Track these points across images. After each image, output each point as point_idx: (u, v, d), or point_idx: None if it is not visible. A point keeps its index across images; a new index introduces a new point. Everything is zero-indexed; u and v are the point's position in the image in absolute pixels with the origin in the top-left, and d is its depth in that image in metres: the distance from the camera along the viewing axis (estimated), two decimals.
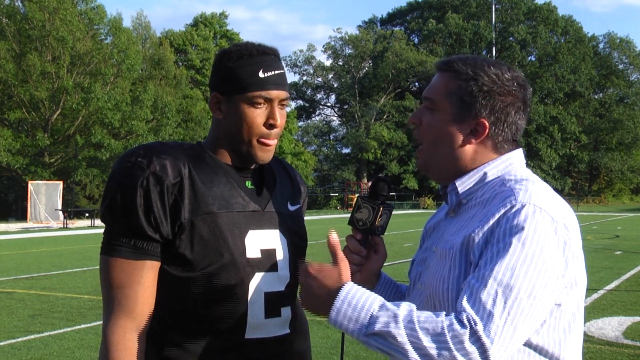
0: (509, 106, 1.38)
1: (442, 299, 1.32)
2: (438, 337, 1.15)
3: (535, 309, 1.20)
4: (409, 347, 1.16)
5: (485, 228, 1.27)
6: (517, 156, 1.42)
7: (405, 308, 1.20)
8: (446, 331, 1.16)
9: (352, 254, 1.50)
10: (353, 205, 1.54)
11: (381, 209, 1.48)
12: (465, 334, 1.15)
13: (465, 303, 1.19)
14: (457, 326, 1.16)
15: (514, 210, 1.26)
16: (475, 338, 1.15)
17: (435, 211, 1.63)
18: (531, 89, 1.45)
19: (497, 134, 1.39)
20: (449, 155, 1.40)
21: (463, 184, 1.40)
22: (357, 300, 1.21)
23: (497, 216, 1.27)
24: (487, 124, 1.37)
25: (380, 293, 1.57)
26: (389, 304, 1.21)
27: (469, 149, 1.39)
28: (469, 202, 1.40)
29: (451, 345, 1.15)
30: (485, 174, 1.39)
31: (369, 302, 1.21)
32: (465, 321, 1.17)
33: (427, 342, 1.15)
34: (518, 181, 1.35)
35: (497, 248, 1.23)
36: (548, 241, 1.23)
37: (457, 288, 1.29)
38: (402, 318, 1.18)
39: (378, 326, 1.18)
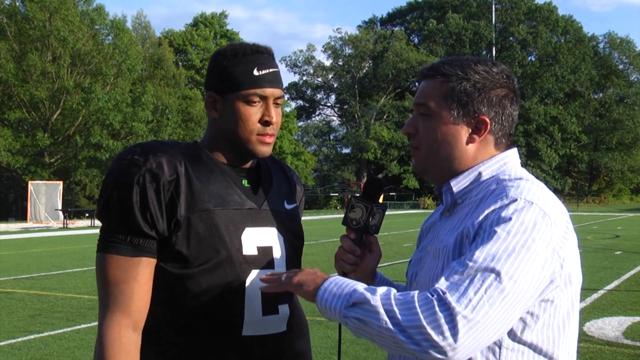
0: (504, 98, 1.40)
1: None
2: (407, 305, 1.18)
3: (515, 293, 1.19)
4: (381, 310, 1.19)
5: (477, 223, 1.28)
6: (512, 155, 1.43)
7: (385, 287, 1.26)
8: (415, 299, 1.19)
9: (347, 254, 1.51)
10: (346, 204, 1.55)
11: (374, 208, 1.49)
12: (433, 301, 1.17)
13: (442, 281, 1.21)
14: (426, 295, 1.19)
15: (505, 204, 1.27)
16: (445, 307, 1.16)
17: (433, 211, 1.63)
18: (515, 78, 1.46)
19: (497, 129, 1.41)
20: (450, 156, 1.41)
21: (458, 184, 1.41)
22: (343, 281, 1.29)
23: (487, 211, 1.28)
24: (487, 119, 1.39)
25: None
26: (372, 287, 1.27)
27: (471, 147, 1.40)
28: (464, 201, 1.40)
29: (418, 310, 1.17)
30: (480, 173, 1.40)
31: (353, 282, 1.28)
32: (433, 292, 1.19)
33: (397, 308, 1.19)
34: (512, 180, 1.35)
35: (481, 237, 1.24)
36: (536, 231, 1.23)
37: None
38: (379, 291, 1.23)
39: (356, 295, 1.23)
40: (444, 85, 1.40)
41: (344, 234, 1.52)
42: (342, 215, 1.53)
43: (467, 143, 1.40)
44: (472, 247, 1.24)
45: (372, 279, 1.57)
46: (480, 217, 1.28)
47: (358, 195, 1.53)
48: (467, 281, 1.18)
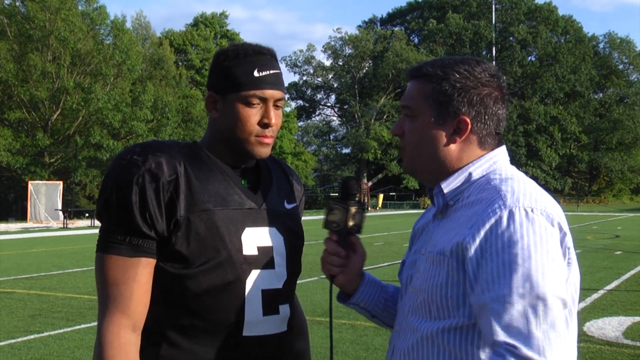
0: (486, 97, 1.38)
1: (440, 305, 1.31)
2: None
3: (560, 303, 1.20)
4: None
5: (477, 238, 1.25)
6: (501, 154, 1.42)
7: None
8: None
9: (332, 256, 1.51)
10: (325, 208, 1.56)
11: (352, 208, 1.49)
12: None
13: (498, 331, 1.19)
14: (496, 358, 1.18)
15: (505, 217, 1.25)
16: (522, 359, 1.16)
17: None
18: (504, 77, 1.44)
19: (481, 128, 1.39)
20: (433, 156, 1.40)
21: (448, 185, 1.40)
22: None
23: (487, 225, 1.25)
24: (468, 119, 1.37)
25: (365, 293, 1.57)
26: None
27: (454, 148, 1.39)
28: (456, 203, 1.39)
29: None
30: (470, 174, 1.38)
31: None
32: (504, 352, 1.17)
33: None
34: (503, 180, 1.34)
35: (501, 261, 1.22)
36: (550, 237, 1.23)
37: (456, 294, 1.28)
38: None
39: None
40: (425, 86, 1.40)
41: (327, 237, 1.53)
42: None
43: (449, 143, 1.39)
44: (500, 276, 1.21)
45: (360, 280, 1.56)
46: (482, 232, 1.25)
47: (336, 197, 1.54)
48: (523, 320, 1.17)
